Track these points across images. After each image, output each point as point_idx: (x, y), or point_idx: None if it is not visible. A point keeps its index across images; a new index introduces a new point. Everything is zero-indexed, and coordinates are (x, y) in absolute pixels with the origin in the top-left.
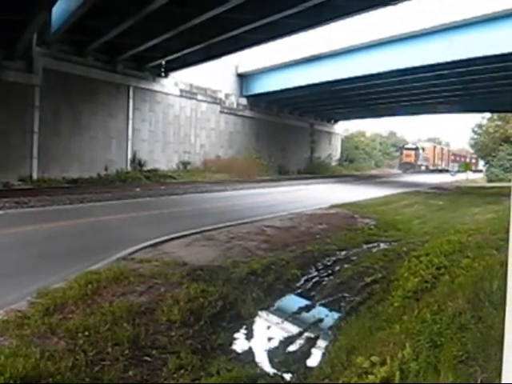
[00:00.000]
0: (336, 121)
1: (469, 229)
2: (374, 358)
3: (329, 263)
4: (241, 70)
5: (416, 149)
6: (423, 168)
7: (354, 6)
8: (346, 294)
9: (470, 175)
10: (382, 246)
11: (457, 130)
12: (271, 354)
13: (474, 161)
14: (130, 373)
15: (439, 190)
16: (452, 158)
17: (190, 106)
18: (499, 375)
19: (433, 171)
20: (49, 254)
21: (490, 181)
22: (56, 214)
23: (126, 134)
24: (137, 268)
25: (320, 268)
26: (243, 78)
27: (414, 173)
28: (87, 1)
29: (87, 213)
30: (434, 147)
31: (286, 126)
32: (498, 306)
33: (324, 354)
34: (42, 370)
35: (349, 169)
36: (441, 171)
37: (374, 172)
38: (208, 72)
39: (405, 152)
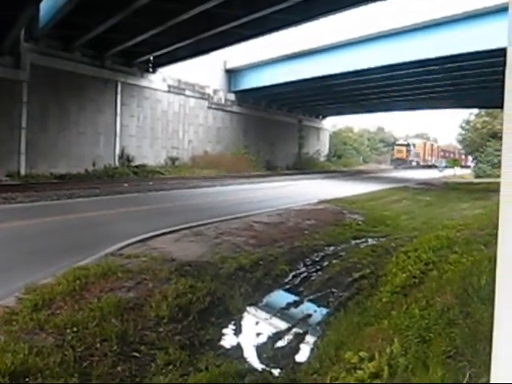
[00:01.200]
0: (324, 116)
1: (457, 224)
2: (362, 354)
3: (317, 259)
4: (229, 66)
5: (407, 145)
6: (414, 164)
7: (343, 2)
8: (335, 290)
9: (458, 171)
10: (371, 241)
11: (444, 125)
12: (260, 349)
13: (463, 156)
14: (119, 368)
15: (427, 186)
16: (441, 153)
17: (178, 102)
18: (488, 370)
19: (423, 167)
20: (37, 250)
21: (477, 176)
22: (44, 209)
23: (113, 130)
24: (125, 264)
25: (308, 263)
26: (231, 74)
27: (405, 168)
28: None
29: (75, 208)
30: (425, 143)
31: (274, 121)
32: (487, 301)
33: (312, 350)
34: (31, 365)
35: (337, 164)
36: (430, 167)
37: (362, 168)
38: (196, 67)
39: (396, 148)
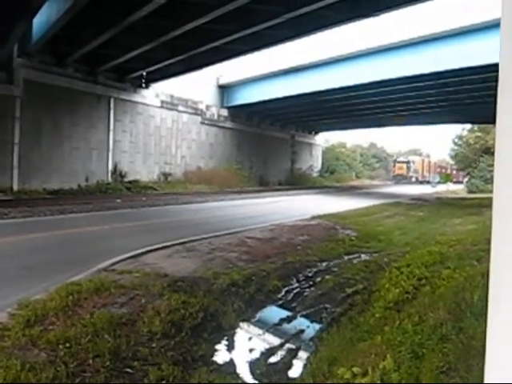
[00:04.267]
0: (317, 132)
1: (450, 240)
2: (355, 369)
3: (310, 274)
4: (222, 81)
5: (408, 162)
6: (414, 179)
7: (336, 18)
8: (328, 305)
9: (451, 186)
10: (363, 256)
11: (437, 140)
12: (252, 365)
13: (461, 172)
14: None
15: (420, 201)
16: (438, 169)
17: (171, 117)
18: None
19: (421, 182)
20: (30, 265)
21: (470, 192)
22: (37, 225)
23: (106, 145)
24: (118, 279)
25: (301, 279)
26: (224, 89)
27: (405, 183)
28: (68, 12)
29: (68, 224)
30: (423, 160)
31: (267, 137)
32: (479, 316)
33: (305, 365)
34: (23, 381)
35: (330, 180)
36: (428, 182)
37: (354, 183)
38: (189, 83)
39: (397, 165)
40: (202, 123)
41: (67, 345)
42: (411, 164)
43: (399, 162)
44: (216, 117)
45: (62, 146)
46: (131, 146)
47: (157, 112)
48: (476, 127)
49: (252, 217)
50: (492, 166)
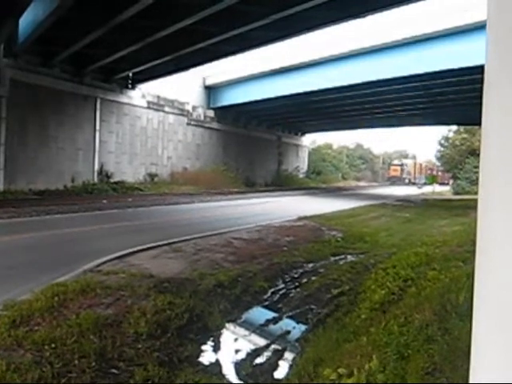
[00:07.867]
0: (303, 133)
1: (436, 241)
2: (341, 370)
3: (296, 275)
4: (208, 82)
5: (401, 165)
6: (407, 181)
7: (322, 19)
8: (313, 306)
9: (437, 188)
10: (349, 258)
11: (423, 142)
12: (238, 366)
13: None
14: None
15: (406, 203)
16: (429, 172)
17: (158, 118)
18: None
19: (413, 183)
20: (15, 266)
21: (456, 193)
22: (22, 225)
23: (92, 146)
24: (103, 280)
25: (287, 280)
26: (211, 90)
27: (399, 185)
28: (54, 12)
29: (54, 225)
30: (415, 163)
31: (254, 138)
32: (465, 317)
33: (291, 366)
34: (8, 382)
35: (316, 181)
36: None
37: (340, 184)
38: (175, 84)
39: (392, 167)
40: (189, 124)
41: (53, 345)
42: (405, 167)
43: (393, 165)
44: (202, 118)
45: (48, 147)
46: (117, 146)
47: (143, 113)
48: (462, 129)
49: (238, 218)
50: (477, 167)
